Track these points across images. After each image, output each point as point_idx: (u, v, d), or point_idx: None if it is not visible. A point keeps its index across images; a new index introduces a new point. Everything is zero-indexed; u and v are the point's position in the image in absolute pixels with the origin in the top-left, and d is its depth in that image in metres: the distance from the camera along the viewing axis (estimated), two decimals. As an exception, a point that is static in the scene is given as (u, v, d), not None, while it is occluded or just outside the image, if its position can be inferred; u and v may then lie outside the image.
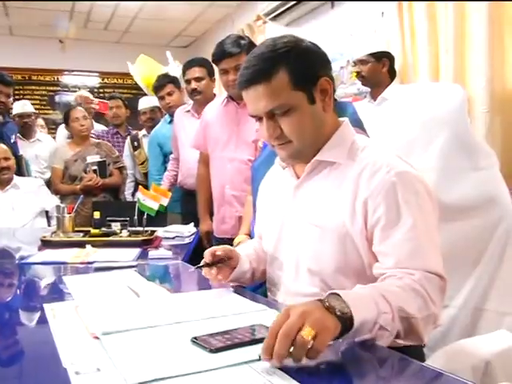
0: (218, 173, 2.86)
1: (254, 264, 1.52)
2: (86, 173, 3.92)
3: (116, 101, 4.91)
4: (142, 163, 4.48)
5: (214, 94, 3.52)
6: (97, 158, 3.96)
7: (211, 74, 3.44)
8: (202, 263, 1.44)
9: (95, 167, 3.94)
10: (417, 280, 1.12)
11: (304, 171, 1.36)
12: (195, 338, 1.03)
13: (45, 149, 4.80)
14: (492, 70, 2.74)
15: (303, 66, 1.26)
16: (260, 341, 0.96)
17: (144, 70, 5.06)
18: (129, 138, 4.67)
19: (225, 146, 2.82)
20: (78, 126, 4.01)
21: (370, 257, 1.25)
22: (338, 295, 0.99)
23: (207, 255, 1.43)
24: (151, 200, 2.63)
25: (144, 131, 4.72)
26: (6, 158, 3.60)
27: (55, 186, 4.11)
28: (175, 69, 4.84)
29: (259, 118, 1.32)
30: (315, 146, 1.33)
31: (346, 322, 0.96)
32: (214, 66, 3.20)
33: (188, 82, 3.50)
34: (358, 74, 3.37)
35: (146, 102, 4.67)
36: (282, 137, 1.30)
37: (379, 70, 3.28)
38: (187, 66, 3.52)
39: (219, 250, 1.44)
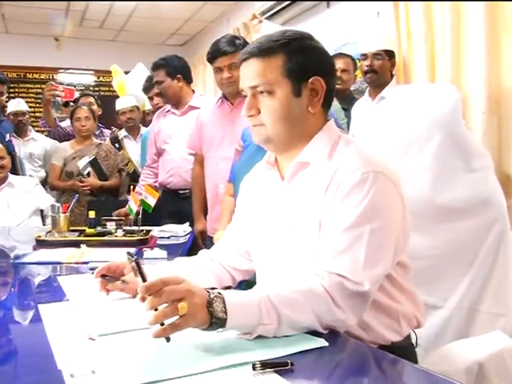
0: (212, 172, 2.87)
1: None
2: (82, 175, 3.91)
3: (87, 97, 4.84)
4: (126, 164, 4.44)
5: (193, 90, 3.48)
6: (86, 160, 3.93)
7: (172, 74, 3.32)
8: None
9: (89, 169, 3.91)
10: (326, 285, 1.11)
11: (287, 173, 1.35)
12: None
13: (39, 147, 4.77)
14: (488, 71, 2.73)
15: (301, 59, 1.28)
16: None
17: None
18: (108, 139, 4.63)
19: (218, 145, 2.82)
20: (79, 126, 4.06)
21: None
22: (223, 299, 1.02)
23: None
24: (151, 197, 2.62)
25: (124, 132, 4.71)
26: (1, 157, 3.59)
27: (51, 182, 4.14)
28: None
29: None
30: (289, 139, 1.32)
31: (218, 325, 1.01)
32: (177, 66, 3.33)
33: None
34: (370, 68, 3.22)
35: (125, 102, 4.67)
36: (257, 118, 1.31)
37: (388, 68, 3.26)
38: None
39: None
